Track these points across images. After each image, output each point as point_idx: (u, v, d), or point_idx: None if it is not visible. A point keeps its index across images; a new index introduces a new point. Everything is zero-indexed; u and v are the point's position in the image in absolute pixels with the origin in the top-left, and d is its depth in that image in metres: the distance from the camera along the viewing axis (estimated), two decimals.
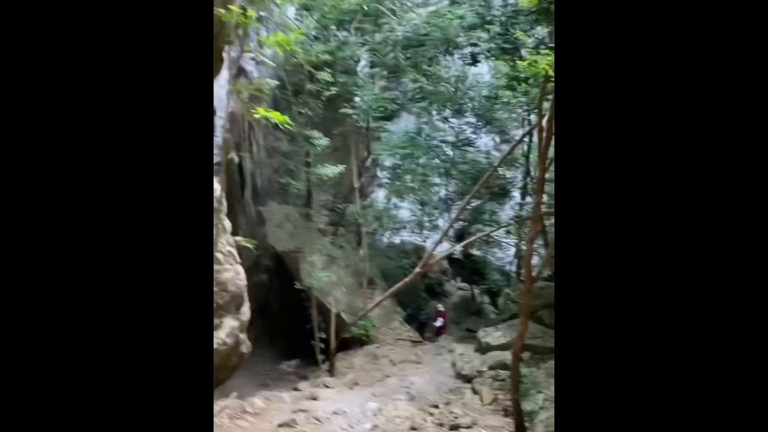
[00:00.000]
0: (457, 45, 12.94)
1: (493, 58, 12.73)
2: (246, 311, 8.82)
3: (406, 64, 13.22)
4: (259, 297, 15.01)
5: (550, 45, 10.42)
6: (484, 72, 14.85)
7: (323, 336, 11.91)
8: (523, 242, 13.37)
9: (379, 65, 13.48)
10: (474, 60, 13.43)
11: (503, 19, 12.18)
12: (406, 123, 18.85)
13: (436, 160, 15.76)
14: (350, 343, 12.98)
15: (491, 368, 10.24)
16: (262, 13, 12.27)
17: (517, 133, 15.07)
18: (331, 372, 11.80)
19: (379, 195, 18.46)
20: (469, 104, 15.25)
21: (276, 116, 6.10)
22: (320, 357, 12.02)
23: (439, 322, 14.69)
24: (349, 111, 12.33)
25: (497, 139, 17.60)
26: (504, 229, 14.46)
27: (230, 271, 8.31)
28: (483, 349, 11.23)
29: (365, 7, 12.05)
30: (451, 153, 15.95)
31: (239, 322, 8.52)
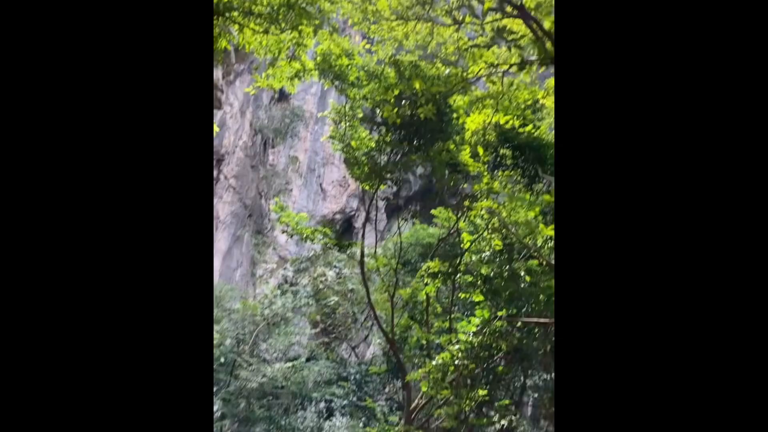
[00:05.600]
0: (312, 399, 13.03)
1: (348, 415, 12.81)
2: None
3: (258, 415, 12.74)
4: None
5: (399, 412, 10.87)
6: (338, 425, 14.65)
7: None
8: None
9: (230, 415, 12.83)
10: (330, 414, 13.39)
11: (357, 376, 12.85)
12: None
13: None
14: None
15: None
16: None
17: None
18: None
19: None
20: None
21: None
22: None
23: None
24: None
25: None
26: None
27: None
28: None
29: (222, 359, 12.14)
30: None
31: None
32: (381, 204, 15.07)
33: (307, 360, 12.96)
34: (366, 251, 9.40)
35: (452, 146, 7.43)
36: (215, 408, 13.92)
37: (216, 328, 12.04)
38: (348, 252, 13.46)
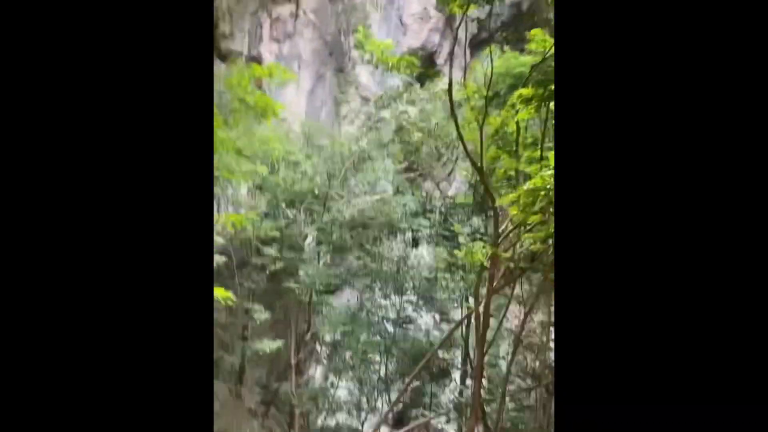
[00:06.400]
0: (400, 229, 13.84)
1: (433, 244, 13.59)
2: None
3: (351, 243, 13.82)
4: None
5: (485, 237, 11.31)
6: (425, 254, 15.65)
7: None
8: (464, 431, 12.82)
9: (326, 243, 14.00)
10: (416, 243, 14.27)
11: (443, 209, 13.32)
12: (348, 297, 18.97)
13: (377, 337, 15.63)
14: None
15: None
16: (215, 189, 12.88)
17: (457, 314, 15.40)
18: None
19: (317, 372, 17.67)
20: (411, 284, 15.71)
21: (219, 293, 6.07)
22: None
23: None
24: (293, 286, 12.41)
25: (437, 317, 17.86)
26: (444, 416, 13.93)
27: None
28: None
29: (316, 191, 12.91)
30: (392, 330, 15.89)
31: None
32: (467, 34, 14.13)
33: (394, 194, 13.49)
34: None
35: None
36: (311, 238, 15.22)
37: (308, 163, 12.64)
38: (432, 86, 13.02)
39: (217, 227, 11.64)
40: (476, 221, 12.46)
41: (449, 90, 8.59)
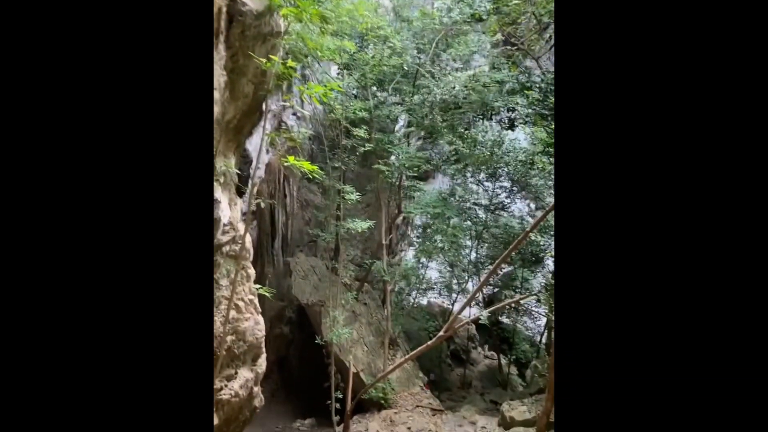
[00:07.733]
0: (494, 109, 13.06)
1: (530, 124, 12.75)
2: (262, 363, 8.56)
3: (442, 126, 13.35)
4: (279, 350, 14.71)
5: None
6: (520, 137, 14.84)
7: (340, 396, 11.45)
8: (553, 313, 12.82)
9: (416, 125, 13.65)
10: (511, 125, 13.48)
11: (543, 85, 12.27)
12: (439, 183, 18.86)
13: (468, 222, 15.59)
14: (367, 405, 12.44)
15: None
16: (305, 71, 12.73)
17: (553, 201, 14.81)
18: None
19: (408, 253, 18.23)
20: (504, 169, 15.16)
21: (305, 165, 6.10)
22: (335, 418, 11.53)
23: None
24: (383, 168, 12.41)
25: (532, 205, 17.35)
26: (535, 297, 13.94)
27: (250, 321, 8.14)
28: (506, 423, 10.54)
29: (405, 68, 12.34)
30: (483, 216, 15.75)
31: (255, 374, 8.25)
32: None
33: (489, 70, 12.59)
34: None
35: None
36: (402, 122, 14.92)
37: (397, 38, 11.98)
38: None
39: (307, 107, 11.65)
40: None
41: None
